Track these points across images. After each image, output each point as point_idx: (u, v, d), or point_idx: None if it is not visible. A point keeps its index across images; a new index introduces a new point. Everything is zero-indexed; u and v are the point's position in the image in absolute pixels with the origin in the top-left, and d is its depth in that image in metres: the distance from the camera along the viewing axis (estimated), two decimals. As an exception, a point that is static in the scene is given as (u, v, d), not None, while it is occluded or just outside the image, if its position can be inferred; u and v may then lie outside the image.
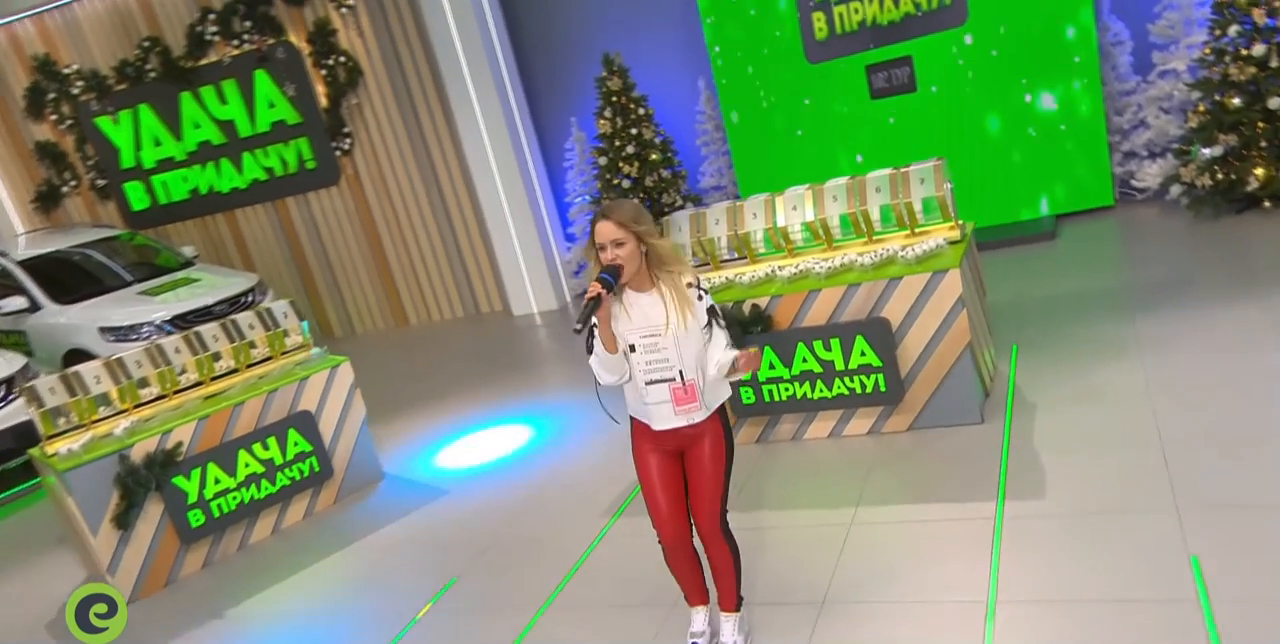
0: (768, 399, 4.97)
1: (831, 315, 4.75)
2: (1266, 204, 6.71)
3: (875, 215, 4.97)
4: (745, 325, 4.87)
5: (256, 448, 5.52)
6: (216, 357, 5.83)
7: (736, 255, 5.40)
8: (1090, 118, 7.76)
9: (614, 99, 8.88)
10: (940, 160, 4.84)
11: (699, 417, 3.06)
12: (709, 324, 3.04)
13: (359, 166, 10.84)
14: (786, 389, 4.91)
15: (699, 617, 3.40)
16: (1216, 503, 3.49)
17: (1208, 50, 6.92)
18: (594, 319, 2.99)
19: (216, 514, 5.34)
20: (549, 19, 9.87)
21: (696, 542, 3.26)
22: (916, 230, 4.92)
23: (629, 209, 2.97)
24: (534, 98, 10.18)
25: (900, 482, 4.31)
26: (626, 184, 8.80)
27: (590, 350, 3.12)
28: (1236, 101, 6.68)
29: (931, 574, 3.52)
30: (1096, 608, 3.09)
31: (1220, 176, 6.76)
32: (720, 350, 3.05)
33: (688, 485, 3.19)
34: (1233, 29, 6.71)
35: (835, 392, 4.81)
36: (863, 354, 4.69)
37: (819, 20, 8.49)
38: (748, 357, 2.97)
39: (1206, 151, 6.82)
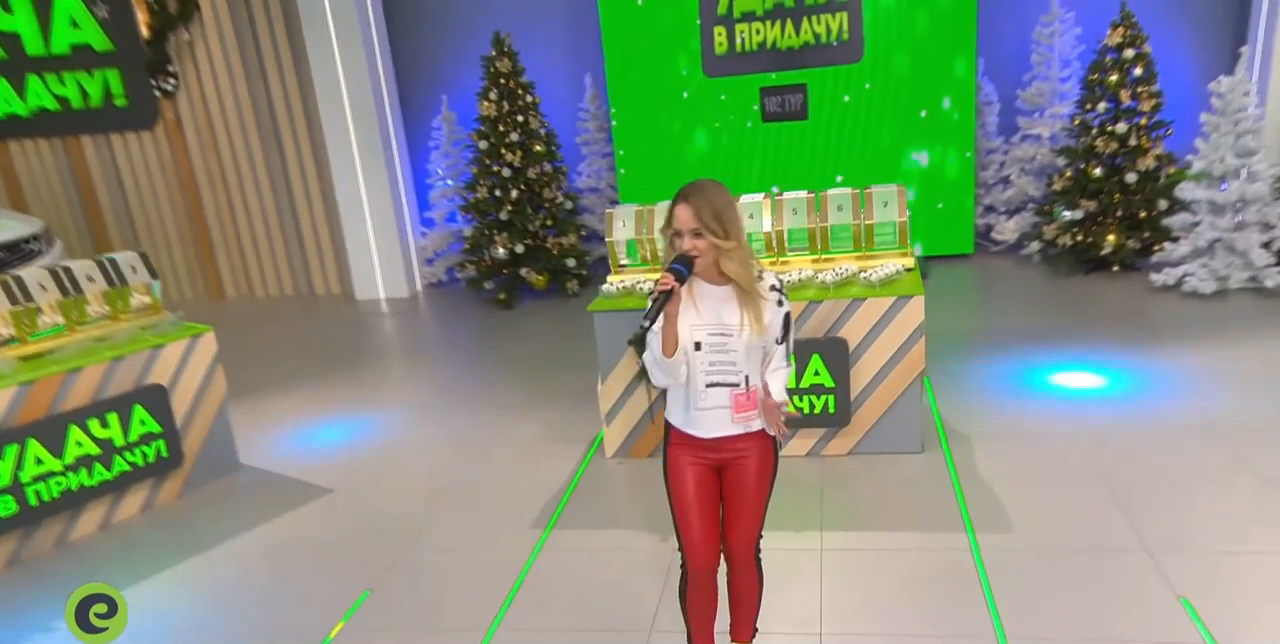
0: (708, 412, 4.68)
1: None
2: (1115, 268, 7.29)
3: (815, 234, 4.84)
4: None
5: (93, 425, 4.53)
6: (39, 311, 4.75)
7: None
8: (961, 170, 8.16)
9: (502, 81, 8.30)
10: (902, 187, 4.79)
11: (757, 425, 2.72)
12: (782, 335, 2.70)
13: (182, 112, 9.53)
14: (730, 403, 4.64)
15: None
16: (1179, 544, 3.58)
17: (1076, 121, 7.45)
18: (663, 315, 2.58)
19: (34, 502, 4.31)
20: (432, -15, 9.16)
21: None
22: (870, 253, 4.84)
23: (714, 201, 2.54)
24: (402, 68, 9.38)
25: (857, 507, 4.15)
26: (507, 173, 8.23)
27: (643, 344, 2.72)
28: (1098, 171, 7.23)
29: (928, 606, 3.36)
30: (1107, 649, 3.04)
31: (1079, 238, 7.28)
32: (779, 359, 2.72)
33: (725, 504, 2.83)
34: (1101, 105, 7.26)
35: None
36: (817, 374, 4.52)
37: (720, 35, 8.38)
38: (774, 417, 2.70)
39: (1068, 214, 7.33)
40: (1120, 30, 7.16)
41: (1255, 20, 7.51)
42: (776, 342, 2.68)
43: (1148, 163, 7.12)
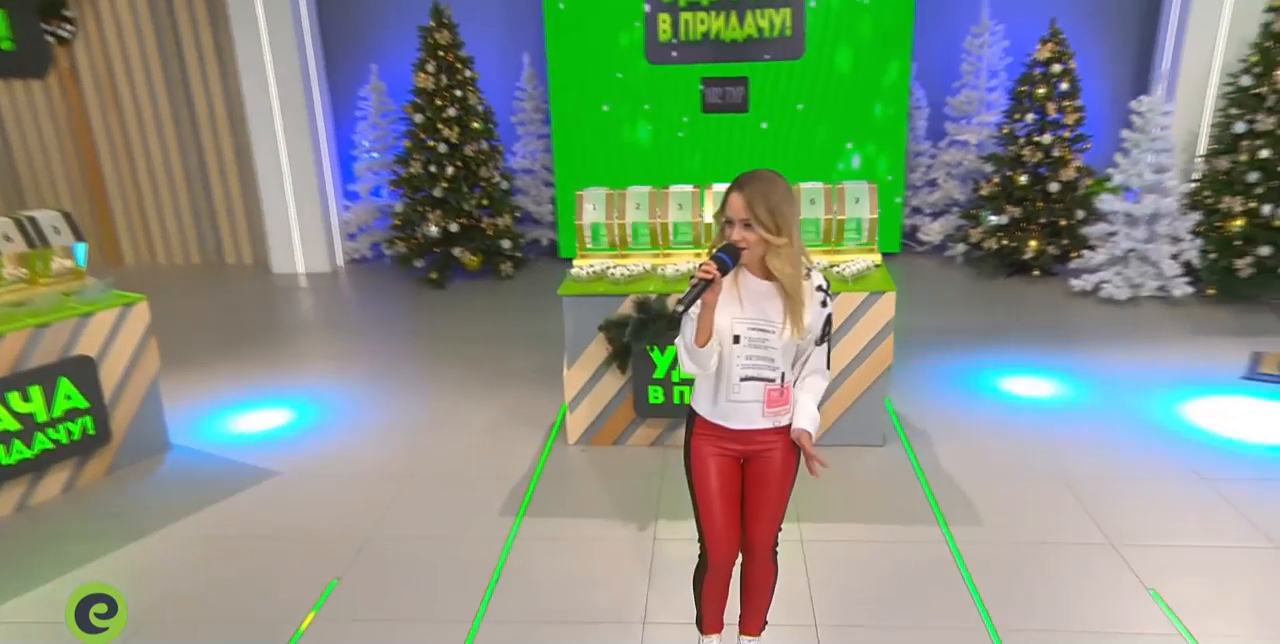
0: (677, 401, 4.61)
1: (761, 322, 4.52)
2: (1035, 272, 7.60)
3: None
4: (670, 321, 4.48)
5: (13, 398, 4.11)
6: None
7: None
8: (892, 171, 8.33)
9: (440, 54, 7.98)
10: (873, 184, 4.82)
11: (785, 420, 2.66)
12: (822, 336, 2.63)
13: (79, 62, 8.81)
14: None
15: None
16: (1138, 537, 3.73)
17: (1005, 130, 7.71)
18: (699, 304, 2.48)
19: (-56, 482, 3.87)
20: (368, -51, 8.71)
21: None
22: (836, 248, 4.85)
23: (770, 194, 2.41)
24: (329, 33, 8.90)
25: (831, 499, 4.14)
26: (443, 148, 7.92)
27: (679, 328, 2.62)
28: (1024, 179, 7.50)
29: (915, 598, 3.39)
30: (1091, 640, 3.13)
31: (1003, 242, 7.55)
32: (817, 360, 2.65)
33: (748, 496, 2.76)
34: (1029, 116, 7.54)
35: (750, 400, 4.57)
36: (788, 365, 4.50)
37: (664, 22, 8.29)
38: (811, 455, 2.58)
39: (994, 218, 7.59)
40: (1049, 46, 7.43)
41: (1159, 55, 7.94)
42: (815, 342, 2.61)
43: (1069, 174, 7.43)
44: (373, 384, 5.77)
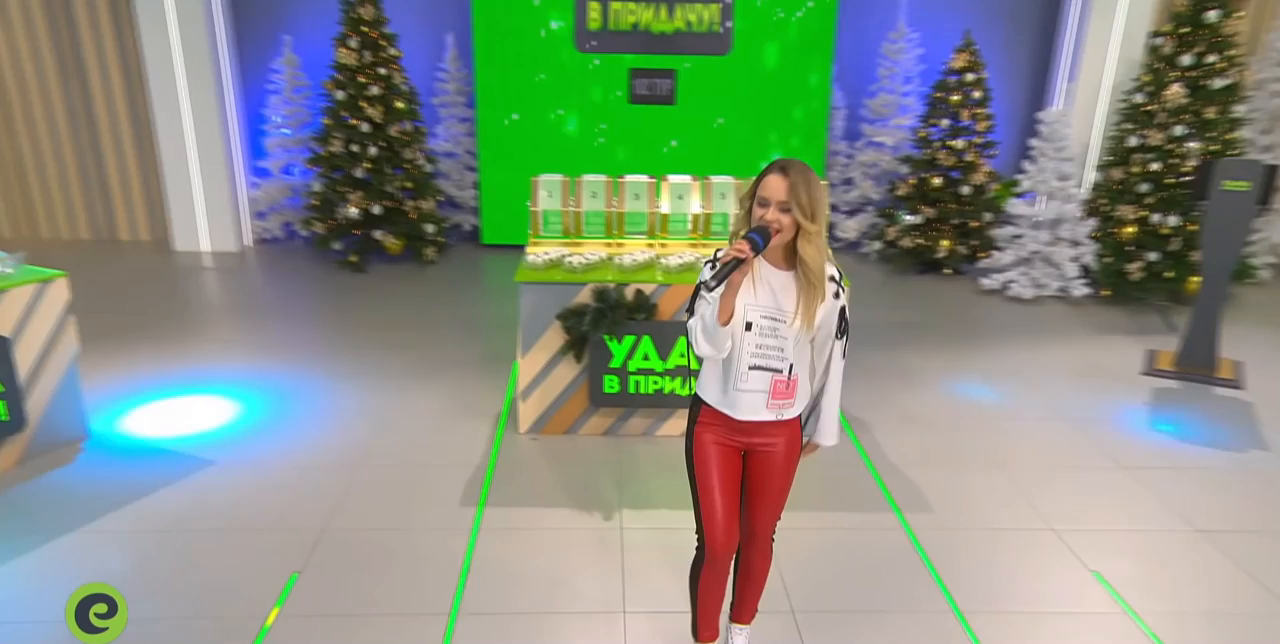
0: (632, 390, 4.58)
1: (717, 313, 4.54)
2: (946, 270, 7.92)
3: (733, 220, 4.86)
4: (629, 311, 4.45)
5: (-81, 381, 3.71)
6: None
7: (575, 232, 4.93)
8: (813, 168, 8.50)
9: (364, 29, 7.65)
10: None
11: (788, 414, 2.66)
12: (838, 330, 2.65)
13: (-47, 16, 8.01)
14: (655, 382, 4.57)
15: None
16: (1076, 522, 3.95)
17: (921, 134, 7.99)
18: (723, 283, 2.45)
19: None
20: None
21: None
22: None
23: (811, 181, 2.41)
24: (239, 1, 8.40)
25: (793, 489, 4.21)
26: (366, 128, 7.60)
27: (691, 311, 2.59)
28: (938, 181, 7.80)
29: (881, 583, 3.48)
30: (1051, 620, 3.29)
31: (918, 241, 7.83)
32: (838, 359, 2.66)
33: (749, 487, 2.76)
34: (944, 122, 7.83)
35: (704, 390, 4.59)
36: (743, 356, 4.54)
37: (594, 10, 8.19)
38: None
39: (910, 218, 7.86)
40: (964, 55, 7.73)
41: (1056, 72, 8.39)
42: (834, 335, 2.62)
43: (979, 178, 7.77)
44: (302, 370, 5.51)
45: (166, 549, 3.58)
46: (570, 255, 4.64)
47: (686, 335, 2.63)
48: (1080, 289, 7.15)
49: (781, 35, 8.21)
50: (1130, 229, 7.13)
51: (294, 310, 6.78)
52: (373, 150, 7.61)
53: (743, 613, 2.99)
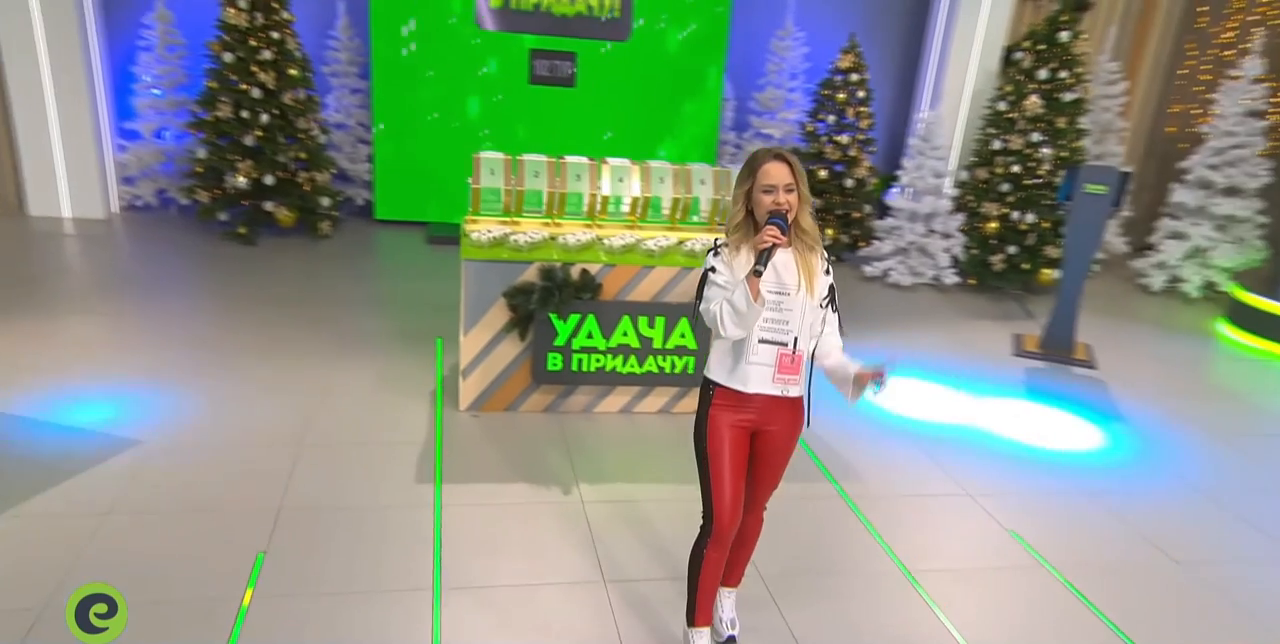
0: (575, 368, 4.61)
1: (658, 293, 4.63)
2: (831, 258, 8.31)
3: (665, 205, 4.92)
4: (576, 290, 4.47)
5: None
6: None
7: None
8: (705, 157, 8.72)
9: (257, -10, 7.20)
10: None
11: (794, 391, 2.78)
12: (829, 302, 2.80)
13: None
14: (598, 360, 4.62)
15: (706, 642, 2.92)
16: (988, 489, 4.32)
17: (808, 128, 8.35)
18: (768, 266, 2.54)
19: None
20: None
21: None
22: (681, 226, 5.03)
23: (800, 162, 2.64)
24: (107, -51, 7.70)
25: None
26: (257, 94, 7.15)
27: (700, 297, 2.69)
28: (824, 174, 8.18)
29: (833, 547, 3.70)
30: (983, 575, 3.61)
31: (805, 229, 8.18)
32: (834, 335, 2.79)
33: (755, 464, 2.85)
34: (831, 118, 8.22)
35: (645, 369, 4.68)
36: (682, 336, 4.66)
37: (497, -12, 8.05)
38: (873, 374, 2.63)
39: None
40: (850, 56, 8.13)
41: (923, 79, 8.97)
42: (824, 305, 2.76)
43: (861, 172, 8.21)
44: (208, 347, 5.18)
45: (111, 533, 3.33)
46: (514, 234, 4.59)
47: (705, 321, 2.68)
48: (951, 278, 7.72)
49: (678, 25, 8.34)
50: (993, 224, 7.75)
51: (182, 283, 6.34)
52: (265, 117, 7.18)
53: (731, 576, 3.11)
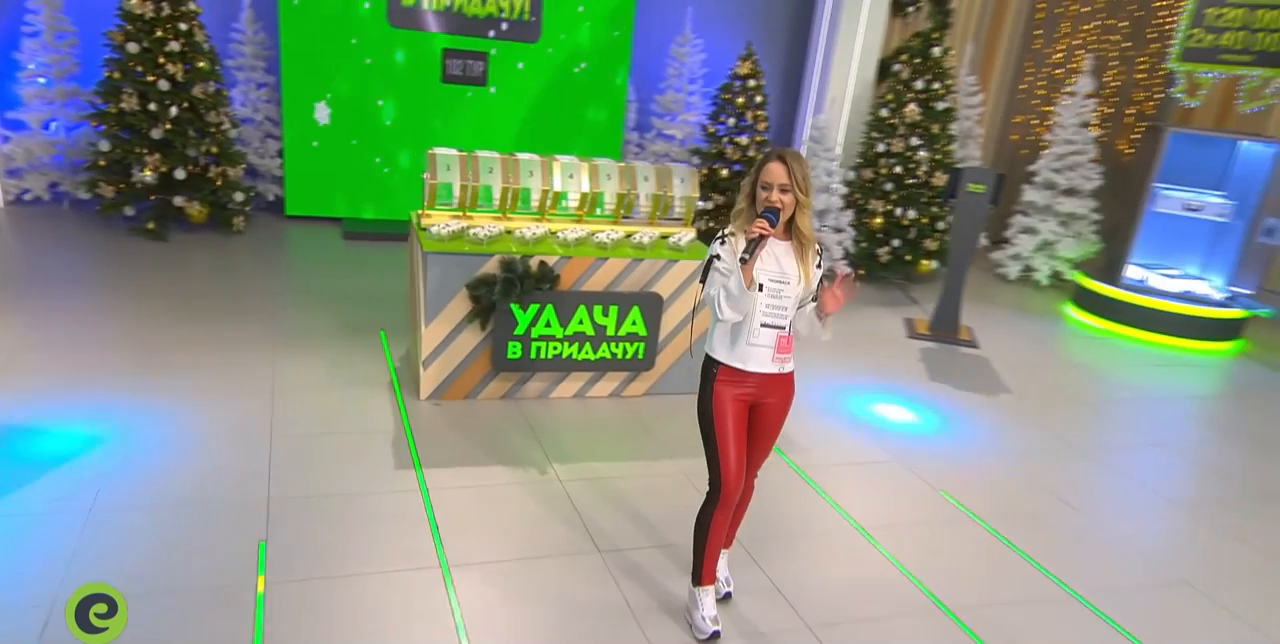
0: (534, 356, 4.69)
1: (611, 283, 4.77)
2: (732, 250, 8.64)
3: (609, 200, 5.06)
4: (537, 281, 4.55)
5: None
6: None
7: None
8: (611, 155, 8.87)
9: (161, -21, 6.82)
10: (696, 170, 5.27)
11: (788, 367, 2.99)
12: (819, 291, 2.96)
13: None
14: (555, 348, 4.71)
15: (712, 599, 3.07)
16: (913, 452, 4.70)
17: (710, 130, 8.64)
18: (754, 255, 2.74)
19: None
20: None
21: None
22: (658, 222, 5.24)
23: (805, 166, 2.81)
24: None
25: (688, 442, 4.53)
26: (165, 86, 6.78)
27: (704, 281, 2.87)
28: (725, 173, 8.50)
29: (792, 510, 3.95)
30: (929, 528, 3.96)
31: (711, 224, 8.49)
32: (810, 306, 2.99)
33: (754, 431, 3.02)
34: (731, 121, 8.54)
35: (598, 355, 4.81)
36: (634, 323, 4.81)
37: (409, -14, 7.93)
38: (838, 294, 2.81)
39: (701, 203, 8.49)
40: (747, 63, 8.47)
41: (808, 85, 9.45)
42: (814, 298, 2.95)
43: (759, 172, 8.55)
44: (143, 344, 4.94)
45: (100, 528, 3.19)
46: (473, 227, 4.62)
47: (708, 304, 2.87)
48: (843, 269, 8.19)
49: (585, 28, 8.45)
50: (879, 220, 8.27)
51: (96, 280, 5.97)
52: (174, 110, 6.82)
53: (726, 539, 3.30)
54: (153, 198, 6.94)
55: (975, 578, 3.58)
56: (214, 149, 7.10)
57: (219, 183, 7.14)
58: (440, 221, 4.67)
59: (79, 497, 3.37)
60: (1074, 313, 8.00)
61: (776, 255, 2.87)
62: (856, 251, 8.29)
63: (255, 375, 4.69)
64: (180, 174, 6.85)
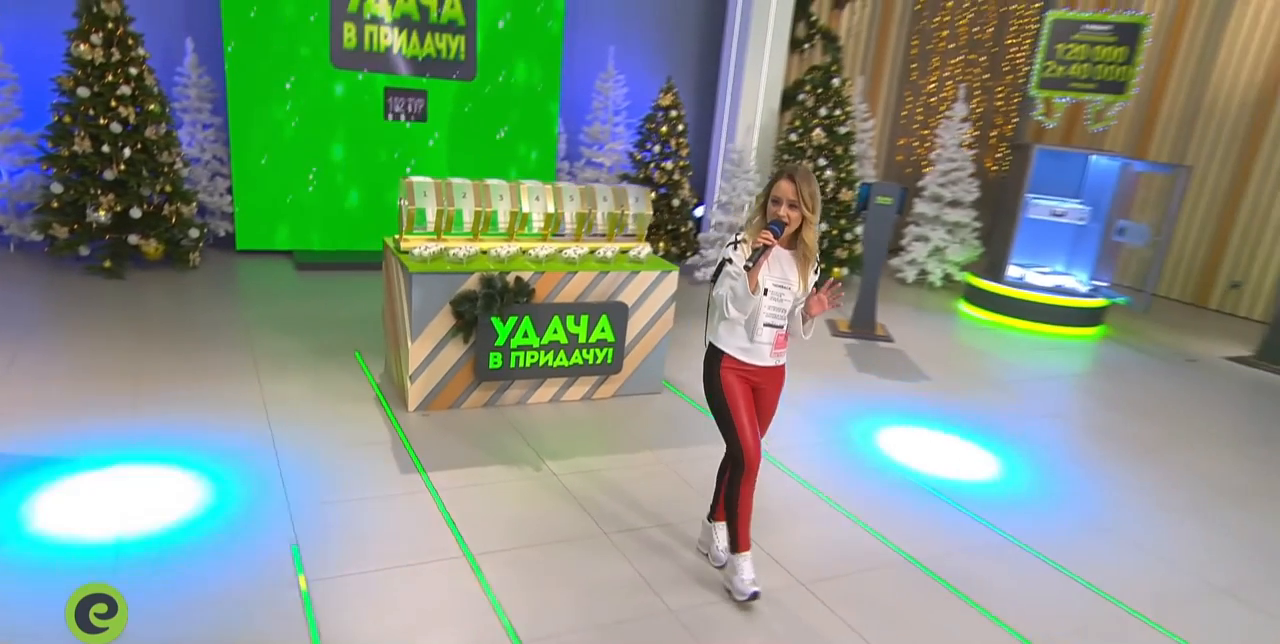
0: (513, 365, 4.78)
1: (581, 295, 4.91)
2: (664, 266, 8.88)
3: (569, 219, 5.20)
4: (515, 295, 4.65)
5: None
6: None
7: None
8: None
9: (110, 26, 6.64)
10: (646, 188, 5.48)
11: (783, 360, 3.17)
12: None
13: None
14: (533, 357, 4.81)
15: (749, 564, 3.18)
16: (856, 435, 4.98)
17: (636, 157, 8.90)
18: (756, 262, 2.90)
19: None
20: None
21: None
22: (615, 238, 5.41)
23: (814, 185, 2.95)
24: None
25: (651, 433, 4.69)
26: (118, 128, 6.59)
27: (715, 282, 3.06)
28: (653, 196, 8.75)
29: (776, 489, 4.15)
30: (885, 491, 4.23)
31: (642, 243, 8.71)
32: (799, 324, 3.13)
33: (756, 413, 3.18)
34: (656, 148, 8.82)
35: (572, 361, 4.93)
36: (603, 330, 4.96)
37: (349, 30, 7.93)
38: (824, 299, 2.99)
39: (634, 225, 8.71)
40: (669, 95, 8.79)
41: (720, 113, 9.85)
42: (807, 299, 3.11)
43: (684, 194, 8.86)
44: (125, 376, 4.79)
45: (130, 535, 3.12)
46: (451, 248, 4.70)
47: (716, 303, 3.05)
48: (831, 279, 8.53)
49: (518, 67, 8.61)
50: (793, 234, 8.66)
51: (63, 318, 5.72)
52: (127, 152, 6.62)
53: (720, 513, 3.45)
54: (107, 237, 6.70)
55: (926, 531, 3.86)
56: (168, 188, 6.91)
57: (173, 220, 6.95)
58: (419, 245, 4.73)
59: (105, 517, 3.28)
60: (966, 308, 8.54)
61: (781, 263, 3.04)
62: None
63: (245, 398, 4.62)
64: (136, 213, 6.64)
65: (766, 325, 3.06)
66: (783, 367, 3.21)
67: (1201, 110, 9.48)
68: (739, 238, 3.02)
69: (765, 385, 3.18)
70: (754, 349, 3.09)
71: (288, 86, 7.74)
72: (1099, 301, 7.98)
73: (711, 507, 3.48)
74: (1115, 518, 4.18)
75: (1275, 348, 7.36)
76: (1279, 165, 8.90)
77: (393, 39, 8.05)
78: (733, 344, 3.10)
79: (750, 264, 2.92)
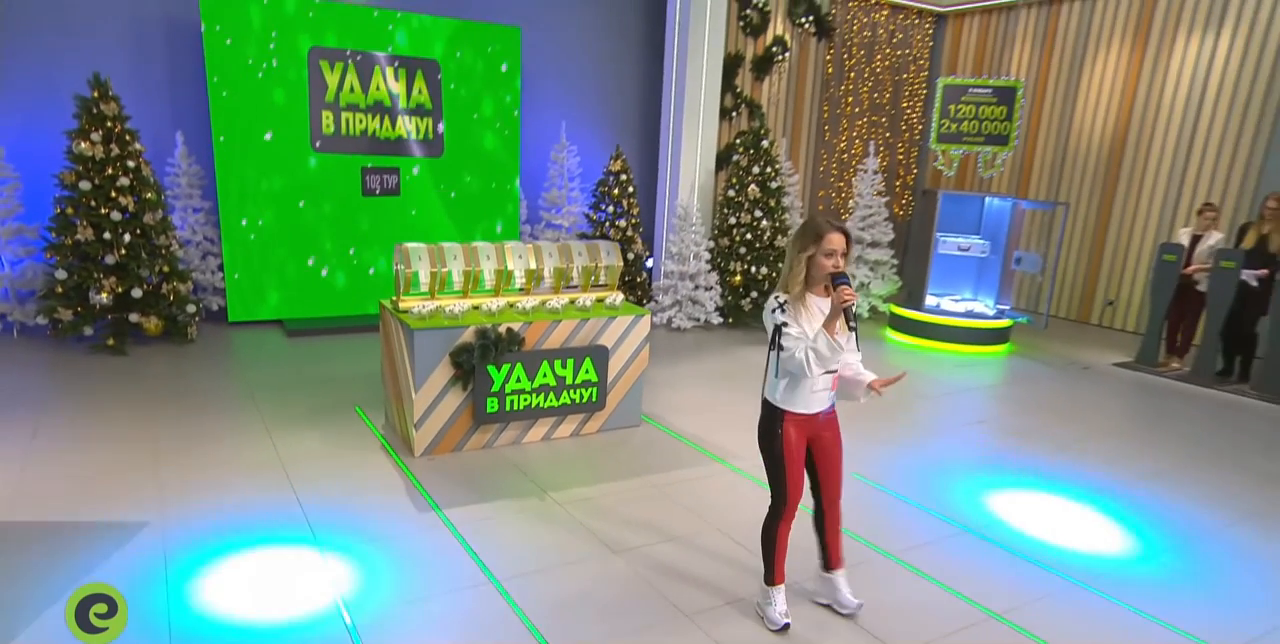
0: (508, 408, 4.84)
1: (565, 341, 5.03)
2: (626, 313, 9.04)
3: (549, 273, 5.35)
4: (507, 344, 4.75)
5: None
6: None
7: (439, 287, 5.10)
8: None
9: (109, 125, 6.66)
10: (615, 242, 5.66)
11: (833, 400, 3.08)
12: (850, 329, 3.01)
13: None
14: (525, 399, 4.89)
15: (782, 596, 3.14)
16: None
17: (592, 217, 9.13)
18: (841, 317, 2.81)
19: None
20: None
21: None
22: (590, 289, 5.56)
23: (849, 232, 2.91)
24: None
25: (635, 462, 4.78)
26: (118, 216, 6.55)
27: (778, 347, 2.87)
28: (611, 251, 8.96)
29: (746, 513, 4.27)
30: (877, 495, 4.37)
31: (604, 294, 8.88)
32: (854, 353, 3.06)
33: (826, 467, 3.12)
34: (611, 209, 9.07)
35: (561, 401, 5.02)
36: (587, 371, 5.07)
37: (327, 117, 8.06)
38: (886, 382, 2.96)
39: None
40: (619, 161, 9.08)
41: (663, 172, 10.21)
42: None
43: (638, 248, 9.10)
44: (144, 441, 4.71)
45: (179, 582, 3.08)
46: (446, 305, 4.79)
47: (789, 367, 2.86)
48: (716, 319, 8.77)
49: (483, 142, 8.83)
50: (738, 278, 8.95)
51: (76, 394, 5.59)
52: (127, 237, 6.58)
53: (838, 560, 3.25)
54: (109, 317, 6.59)
55: (890, 527, 4.01)
56: (165, 268, 6.86)
57: (171, 298, 6.88)
58: (416, 304, 4.81)
59: (150, 557, 3.23)
60: (892, 334, 8.89)
61: (822, 309, 2.91)
62: (724, 304, 8.90)
63: (261, 455, 4.58)
64: (137, 293, 6.57)
65: (825, 372, 2.94)
66: (834, 410, 3.10)
67: (1067, 156, 10.21)
68: (782, 301, 2.87)
69: (824, 433, 3.05)
70: (814, 398, 2.98)
71: (269, 170, 7.79)
72: (1004, 322, 8.40)
73: (765, 569, 3.19)
74: (1049, 502, 4.40)
75: (1150, 353, 7.86)
76: (1134, 198, 9.61)
77: (366, 123, 8.20)
78: (795, 400, 2.98)
79: (854, 323, 2.84)
